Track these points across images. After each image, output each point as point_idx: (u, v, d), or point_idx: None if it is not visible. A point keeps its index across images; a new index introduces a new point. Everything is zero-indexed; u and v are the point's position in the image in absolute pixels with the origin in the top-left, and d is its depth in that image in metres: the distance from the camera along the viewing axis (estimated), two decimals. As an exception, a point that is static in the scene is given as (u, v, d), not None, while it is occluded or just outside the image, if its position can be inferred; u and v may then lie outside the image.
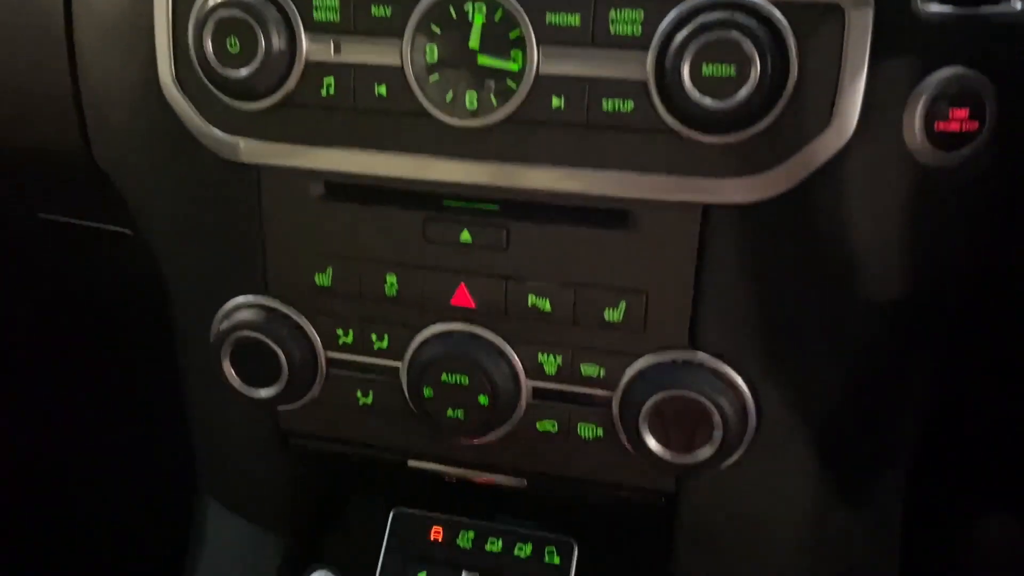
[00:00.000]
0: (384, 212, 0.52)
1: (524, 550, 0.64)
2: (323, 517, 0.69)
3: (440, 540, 0.65)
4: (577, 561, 0.63)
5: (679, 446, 0.51)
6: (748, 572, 0.60)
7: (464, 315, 0.53)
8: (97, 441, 1.13)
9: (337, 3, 0.48)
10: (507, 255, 0.51)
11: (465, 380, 0.53)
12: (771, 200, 0.46)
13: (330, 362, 0.56)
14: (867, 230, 0.47)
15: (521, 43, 0.46)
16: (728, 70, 0.42)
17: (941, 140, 0.44)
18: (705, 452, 0.50)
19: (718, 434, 0.50)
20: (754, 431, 0.51)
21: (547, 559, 0.64)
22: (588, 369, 0.52)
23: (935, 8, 0.43)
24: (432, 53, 0.47)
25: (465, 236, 0.51)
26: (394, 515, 0.67)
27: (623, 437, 0.53)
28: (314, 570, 0.65)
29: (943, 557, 0.95)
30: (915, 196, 0.47)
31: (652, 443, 0.51)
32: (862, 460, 0.59)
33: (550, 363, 0.53)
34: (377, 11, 0.47)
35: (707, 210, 0.47)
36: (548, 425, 0.54)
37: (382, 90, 0.48)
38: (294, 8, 0.48)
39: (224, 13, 0.48)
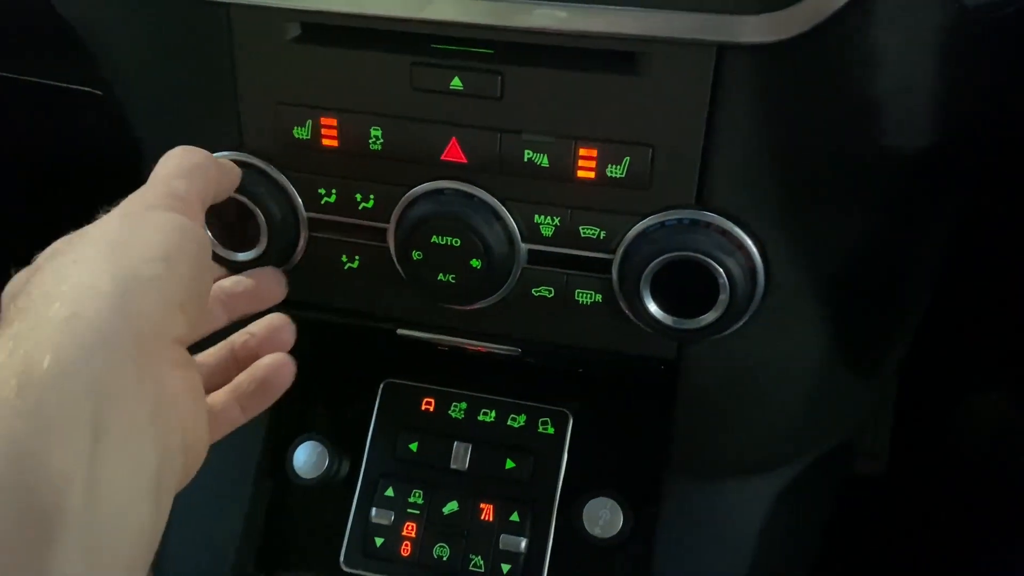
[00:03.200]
0: (366, 56, 0.47)
1: (518, 420, 0.63)
2: (310, 389, 0.67)
3: (431, 411, 0.64)
4: (572, 431, 0.62)
5: (682, 311, 0.48)
6: (746, 438, 0.59)
7: (456, 172, 0.49)
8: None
9: None
10: (502, 104, 0.47)
11: (457, 242, 0.49)
12: (792, 40, 0.42)
13: (312, 223, 0.53)
14: (894, 76, 0.43)
15: None
16: None
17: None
18: (710, 317, 0.48)
19: (724, 298, 0.47)
20: (762, 295, 0.49)
21: (541, 429, 0.62)
22: (587, 231, 0.49)
23: None
24: None
25: (456, 83, 0.47)
26: (384, 386, 0.65)
27: (623, 303, 0.50)
28: (302, 441, 0.63)
29: (932, 430, 0.96)
30: (950, 39, 0.43)
31: (653, 308, 0.49)
32: (868, 328, 0.57)
33: (547, 224, 0.50)
34: None
35: (721, 52, 0.43)
36: (544, 291, 0.52)
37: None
38: None
39: None
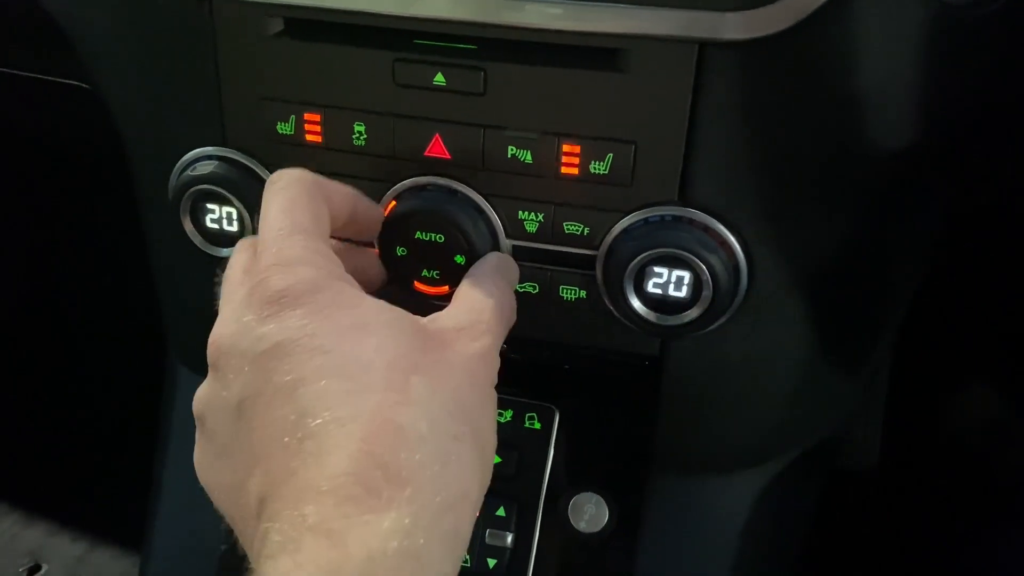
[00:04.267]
0: (349, 52, 0.47)
1: (504, 415, 0.63)
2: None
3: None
4: (558, 427, 0.62)
5: (666, 308, 0.48)
6: (731, 433, 0.59)
7: (439, 168, 0.49)
8: (68, 302, 1.11)
9: None
10: (485, 100, 0.47)
11: (440, 238, 0.49)
12: (774, 37, 0.42)
13: (297, 219, 0.53)
14: (876, 73, 0.43)
15: None
16: None
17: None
18: (693, 313, 0.48)
19: (707, 294, 0.47)
20: (745, 291, 0.49)
21: (527, 424, 0.62)
22: (571, 227, 0.49)
23: None
24: None
25: (439, 79, 0.47)
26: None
27: (607, 299, 0.50)
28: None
29: (922, 425, 0.96)
30: (931, 36, 0.43)
31: (637, 304, 0.49)
32: (854, 322, 0.57)
33: (531, 220, 0.50)
34: None
35: (703, 49, 0.43)
36: (528, 287, 0.52)
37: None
38: None
39: None
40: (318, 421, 0.31)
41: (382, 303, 0.37)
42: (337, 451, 0.30)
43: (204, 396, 0.37)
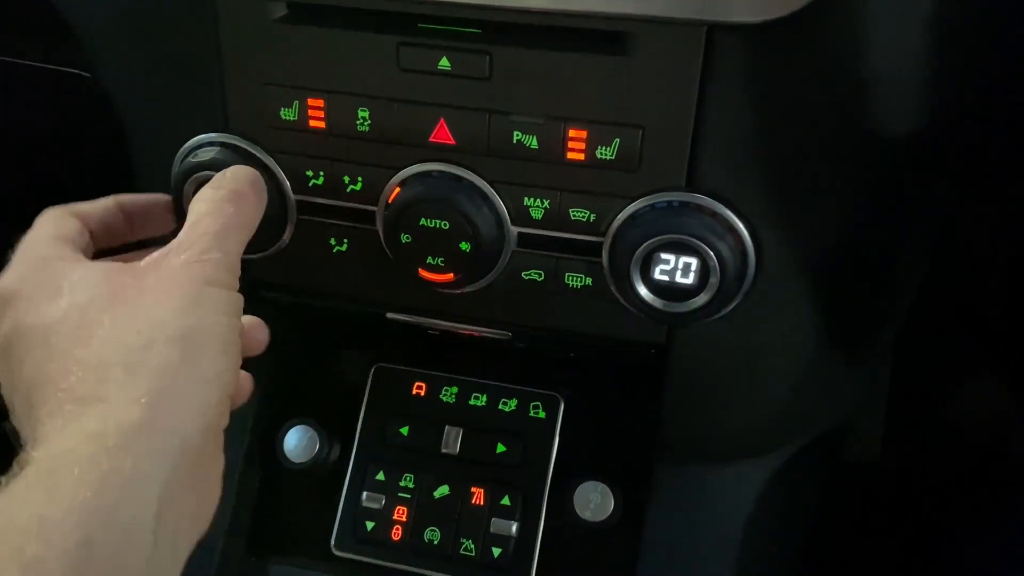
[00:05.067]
0: (352, 36, 0.47)
1: (509, 404, 0.62)
2: (301, 373, 0.67)
3: (423, 395, 0.64)
4: (563, 415, 0.62)
5: (673, 294, 0.48)
6: (737, 422, 0.58)
7: (444, 154, 0.49)
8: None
9: None
10: (490, 85, 0.46)
11: (445, 225, 0.49)
12: (784, 19, 0.41)
13: (300, 206, 0.52)
14: (887, 57, 0.43)
15: None
16: None
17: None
18: (700, 300, 0.48)
19: (715, 281, 0.47)
20: (752, 278, 0.48)
21: (532, 413, 0.62)
22: (577, 213, 0.49)
23: None
24: None
25: (444, 63, 0.46)
26: (375, 370, 0.65)
27: (613, 286, 0.50)
28: (293, 425, 0.63)
29: (925, 416, 0.96)
30: (944, 20, 0.42)
31: (644, 292, 0.48)
32: (860, 310, 0.56)
33: (536, 207, 0.49)
34: None
35: (712, 31, 0.43)
36: (534, 274, 0.51)
37: None
38: None
39: None
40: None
41: (85, 267, 0.41)
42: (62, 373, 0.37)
43: None
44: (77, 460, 0.33)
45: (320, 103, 0.49)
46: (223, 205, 0.43)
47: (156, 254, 0.41)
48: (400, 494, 0.61)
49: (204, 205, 0.43)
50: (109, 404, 0.35)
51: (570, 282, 0.51)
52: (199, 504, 0.38)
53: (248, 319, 0.47)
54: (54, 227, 0.44)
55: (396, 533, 0.61)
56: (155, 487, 0.34)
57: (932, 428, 0.96)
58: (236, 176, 0.45)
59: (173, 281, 0.39)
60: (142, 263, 0.41)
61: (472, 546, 0.60)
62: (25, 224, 0.45)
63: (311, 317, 0.63)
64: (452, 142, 0.48)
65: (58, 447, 0.34)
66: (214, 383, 0.38)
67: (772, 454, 0.62)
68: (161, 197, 0.51)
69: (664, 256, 0.47)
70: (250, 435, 0.64)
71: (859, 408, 0.82)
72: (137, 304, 0.38)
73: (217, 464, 0.39)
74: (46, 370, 0.37)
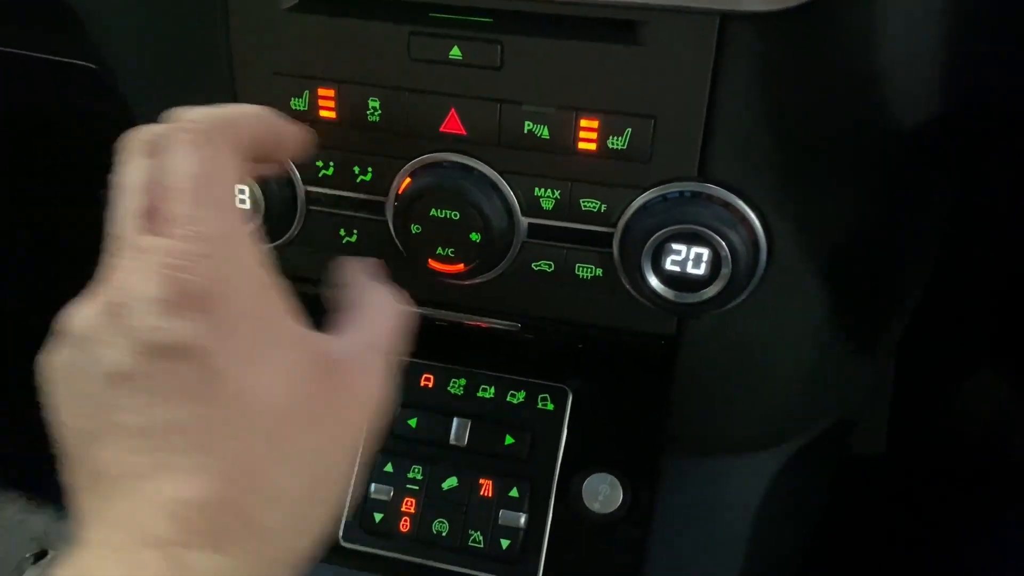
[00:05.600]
0: (363, 26, 0.47)
1: (517, 396, 0.62)
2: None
3: (431, 386, 0.63)
4: (571, 407, 0.62)
5: (684, 285, 0.48)
6: (746, 414, 0.58)
7: (455, 144, 0.49)
8: (71, 288, 1.10)
9: None
10: (501, 75, 0.46)
11: (456, 216, 0.49)
12: (796, 9, 0.41)
13: (310, 197, 0.52)
14: (901, 46, 0.43)
15: None
16: None
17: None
18: (711, 291, 0.48)
19: (726, 272, 0.47)
20: (764, 269, 0.48)
21: (540, 405, 0.62)
22: (588, 204, 0.49)
23: None
24: None
25: (455, 52, 0.46)
26: (382, 362, 0.64)
27: (624, 277, 0.50)
28: (301, 417, 0.63)
29: (931, 410, 0.96)
30: (959, 9, 0.42)
31: (655, 282, 0.48)
32: (868, 304, 0.56)
33: (547, 197, 0.49)
34: None
35: (725, 20, 0.42)
36: (544, 265, 0.51)
37: None
38: None
39: None
40: (191, 443, 0.31)
41: (291, 328, 0.35)
42: (196, 478, 0.30)
43: (88, 327, 0.33)
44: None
45: (331, 93, 0.49)
46: (391, 300, 0.41)
47: (341, 351, 0.37)
48: (408, 486, 0.61)
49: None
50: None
51: (580, 273, 0.51)
52: None
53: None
54: (230, 194, 0.35)
55: (404, 525, 0.61)
56: None
57: (937, 422, 0.96)
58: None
59: (355, 424, 0.36)
60: (335, 350, 0.37)
61: (480, 538, 0.60)
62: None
63: (320, 307, 0.62)
64: (463, 132, 0.48)
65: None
66: None
67: (781, 446, 0.62)
68: (302, 135, 0.44)
69: (675, 247, 0.47)
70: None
71: (864, 401, 0.82)
72: (324, 444, 0.35)
73: None
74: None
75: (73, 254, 1.10)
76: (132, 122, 0.59)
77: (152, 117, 0.57)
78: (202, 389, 0.31)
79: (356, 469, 0.37)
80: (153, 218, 0.34)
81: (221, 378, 0.31)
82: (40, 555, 1.07)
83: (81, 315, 0.34)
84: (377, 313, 0.40)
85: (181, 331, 0.31)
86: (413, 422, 0.63)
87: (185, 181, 0.34)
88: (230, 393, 0.32)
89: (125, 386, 0.31)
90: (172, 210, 0.33)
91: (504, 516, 0.60)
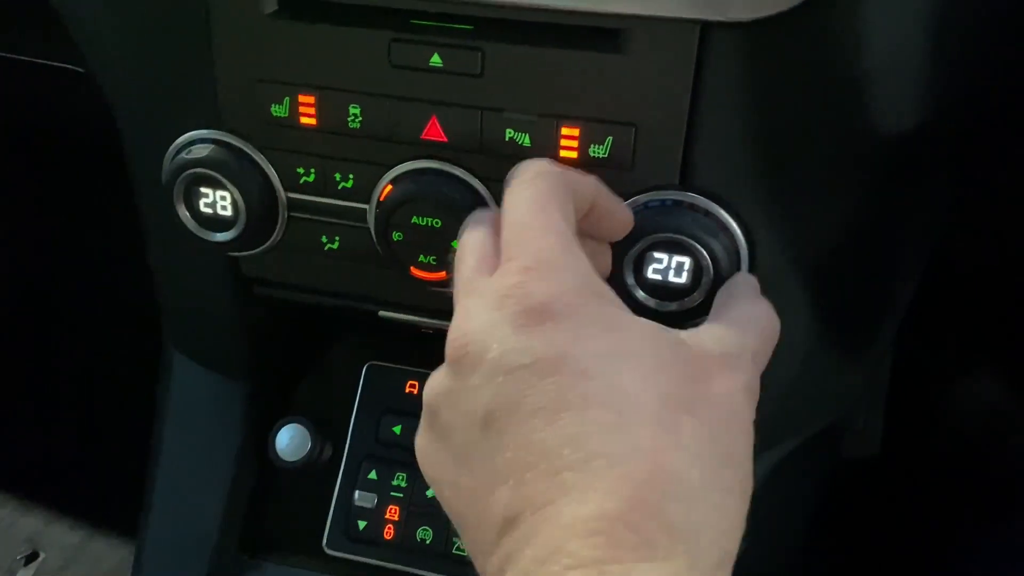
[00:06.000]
0: (344, 32, 0.46)
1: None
2: (294, 370, 0.67)
3: (415, 393, 0.63)
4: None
5: (666, 294, 0.48)
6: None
7: (436, 151, 0.48)
8: (64, 289, 1.11)
9: None
10: (482, 82, 0.46)
11: (437, 223, 0.49)
12: (777, 17, 0.41)
13: (291, 203, 0.52)
14: (884, 54, 0.42)
15: None
16: None
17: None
18: (694, 299, 0.47)
19: (707, 280, 0.46)
20: (746, 277, 0.48)
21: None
22: None
23: None
24: None
25: (435, 60, 0.46)
26: (367, 368, 0.64)
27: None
28: (285, 424, 0.63)
29: (924, 413, 0.96)
30: (942, 16, 0.42)
31: (637, 292, 0.48)
32: (856, 308, 0.56)
33: None
34: None
35: (706, 29, 0.42)
36: (527, 273, 0.51)
37: None
38: None
39: None
40: (581, 455, 0.29)
41: (643, 322, 0.34)
42: (605, 491, 0.29)
43: (441, 390, 0.34)
44: None
45: (311, 99, 0.48)
46: (760, 298, 0.40)
47: (701, 346, 0.35)
48: (392, 493, 0.61)
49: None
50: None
51: None
52: None
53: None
54: (569, 227, 0.36)
55: (388, 532, 0.61)
56: None
57: (932, 424, 0.96)
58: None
59: (738, 415, 0.34)
60: (690, 341, 0.35)
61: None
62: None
63: (304, 315, 0.62)
64: (444, 139, 0.48)
65: None
66: None
67: (770, 450, 0.62)
68: (629, 213, 0.44)
69: (657, 255, 0.47)
70: (242, 434, 0.64)
71: (858, 404, 0.82)
72: (714, 430, 0.32)
73: None
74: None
75: (68, 255, 1.10)
76: (117, 126, 0.59)
77: (136, 121, 0.58)
78: (576, 397, 0.30)
79: (751, 459, 0.34)
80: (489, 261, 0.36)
81: (591, 379, 0.30)
82: (31, 557, 1.07)
83: (432, 384, 0.34)
84: (742, 315, 0.39)
85: (538, 346, 0.31)
86: (398, 429, 0.62)
87: (515, 211, 0.36)
88: (604, 393, 0.30)
89: (495, 427, 0.31)
90: (504, 240, 0.35)
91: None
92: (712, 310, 0.41)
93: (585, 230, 0.41)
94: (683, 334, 0.36)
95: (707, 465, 0.31)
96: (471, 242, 0.38)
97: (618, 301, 0.35)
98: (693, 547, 0.29)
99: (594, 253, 0.43)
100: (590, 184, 0.40)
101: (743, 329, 0.38)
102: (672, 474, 0.30)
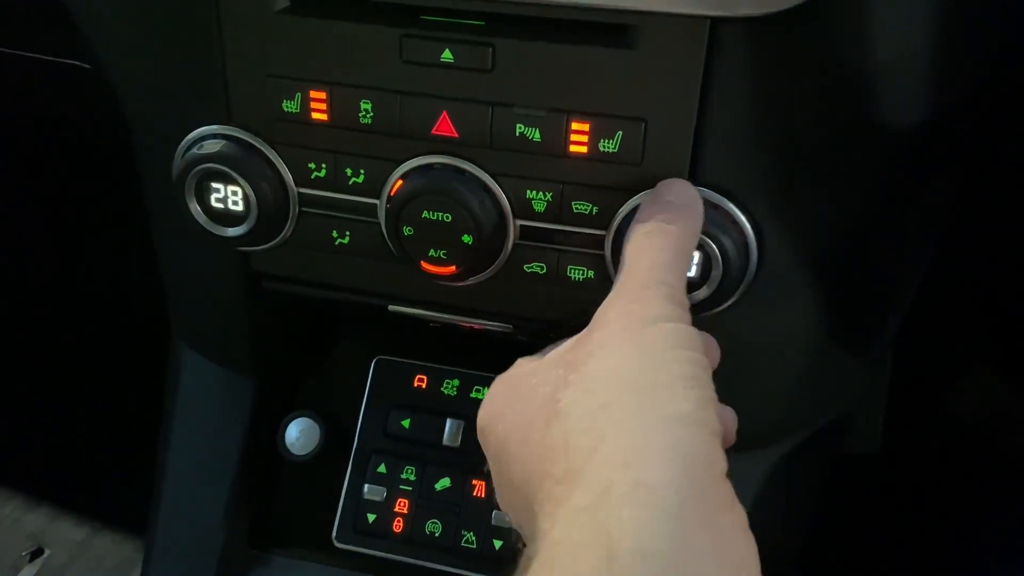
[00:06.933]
0: (355, 28, 0.47)
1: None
2: (303, 365, 0.67)
3: (424, 388, 0.64)
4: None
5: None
6: (740, 415, 0.58)
7: (447, 146, 0.49)
8: (70, 287, 1.11)
9: None
10: (493, 77, 0.46)
11: (448, 218, 0.49)
12: (788, 12, 0.41)
13: (302, 199, 0.52)
14: (893, 49, 0.43)
15: None
16: None
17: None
18: (702, 293, 0.48)
19: (716, 274, 0.47)
20: (755, 271, 0.48)
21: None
22: (580, 206, 0.49)
23: None
24: None
25: (447, 55, 0.46)
26: (376, 363, 0.65)
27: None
28: (294, 418, 0.63)
29: (927, 409, 0.96)
30: (951, 11, 0.42)
31: (646, 285, 0.48)
32: (863, 303, 0.56)
33: (539, 200, 0.49)
34: None
35: (715, 24, 0.43)
36: (536, 267, 0.51)
37: None
38: None
39: None
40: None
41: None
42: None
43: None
44: (572, 545, 0.30)
45: (322, 95, 0.49)
46: (651, 238, 0.41)
47: (597, 312, 0.39)
48: (401, 487, 0.62)
49: (634, 242, 0.41)
50: (586, 476, 0.32)
51: (572, 275, 0.51)
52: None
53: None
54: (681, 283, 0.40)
55: (397, 525, 0.61)
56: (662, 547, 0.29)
57: (933, 421, 0.96)
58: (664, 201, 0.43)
59: (612, 331, 0.37)
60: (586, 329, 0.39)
61: (473, 538, 0.60)
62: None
63: (313, 310, 0.63)
64: (454, 134, 0.48)
65: (552, 536, 0.31)
66: (688, 422, 0.33)
67: (773, 447, 0.62)
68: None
69: None
70: (251, 428, 0.64)
71: (860, 401, 0.82)
72: (584, 367, 0.36)
73: (729, 511, 0.32)
74: (525, 459, 0.36)
75: (73, 253, 1.10)
76: (126, 123, 0.60)
77: (146, 118, 0.58)
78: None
79: None
80: None
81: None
82: (36, 553, 1.07)
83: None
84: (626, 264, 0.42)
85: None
86: (406, 423, 0.63)
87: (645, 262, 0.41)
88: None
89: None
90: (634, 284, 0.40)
91: (497, 517, 0.60)
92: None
93: None
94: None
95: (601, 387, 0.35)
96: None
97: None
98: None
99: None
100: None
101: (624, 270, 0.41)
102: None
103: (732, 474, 0.62)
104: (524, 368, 0.41)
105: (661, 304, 0.37)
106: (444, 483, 0.61)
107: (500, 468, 0.39)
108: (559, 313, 0.54)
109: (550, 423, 0.35)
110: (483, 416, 0.41)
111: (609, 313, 0.38)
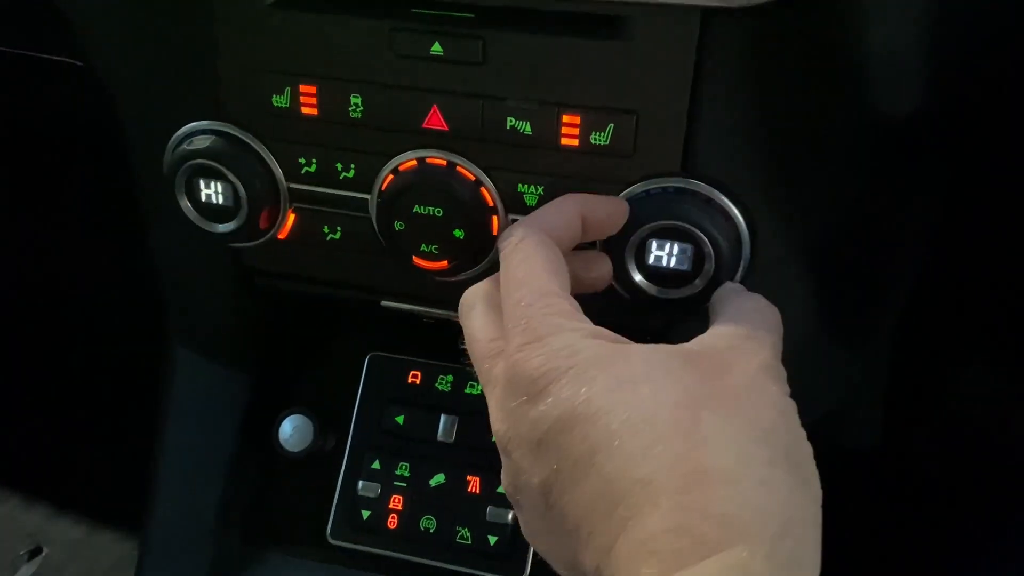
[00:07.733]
0: (345, 21, 0.46)
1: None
2: (296, 361, 0.67)
3: (418, 383, 0.63)
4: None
5: (667, 280, 0.48)
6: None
7: (438, 140, 0.48)
8: (66, 285, 1.10)
9: None
10: (483, 70, 0.46)
11: (439, 212, 0.49)
12: (780, 3, 0.41)
13: (293, 194, 0.52)
14: (885, 40, 0.43)
15: None
16: None
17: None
18: (695, 287, 0.47)
19: (709, 267, 0.47)
20: (747, 263, 0.48)
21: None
22: None
23: None
24: None
25: (436, 48, 0.46)
26: (370, 359, 0.65)
27: (608, 272, 0.50)
28: (288, 414, 0.63)
29: (928, 402, 0.96)
30: (943, 2, 0.42)
31: (638, 278, 0.48)
32: (857, 296, 0.56)
33: (531, 193, 0.49)
34: None
35: (707, 16, 0.42)
36: (529, 261, 0.51)
37: None
38: None
39: None
40: (623, 484, 0.31)
41: (647, 346, 0.36)
42: (652, 510, 0.30)
43: (509, 480, 0.37)
44: None
45: (312, 89, 0.48)
46: (750, 294, 0.42)
47: (708, 346, 0.37)
48: (396, 483, 0.61)
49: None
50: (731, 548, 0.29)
51: None
52: None
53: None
54: (556, 281, 0.39)
55: (392, 521, 0.61)
56: None
57: (933, 415, 0.96)
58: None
59: (763, 392, 0.36)
60: (696, 347, 0.37)
61: (468, 534, 0.60)
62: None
63: (305, 305, 0.62)
64: (445, 128, 0.48)
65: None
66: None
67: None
68: (621, 206, 0.46)
69: (658, 242, 0.47)
70: (245, 424, 0.64)
71: (859, 394, 0.82)
72: (739, 413, 0.33)
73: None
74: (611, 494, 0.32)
75: (66, 250, 1.10)
76: (117, 118, 0.59)
77: (137, 113, 0.58)
78: (600, 435, 0.32)
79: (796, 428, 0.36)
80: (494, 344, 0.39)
81: (608, 413, 0.32)
82: (35, 552, 1.07)
83: (502, 474, 0.38)
84: (739, 311, 0.41)
85: (551, 411, 0.34)
86: (400, 419, 0.63)
87: (505, 286, 0.39)
88: (622, 420, 0.32)
89: (551, 499, 0.34)
90: (504, 317, 0.38)
91: (492, 512, 0.60)
92: (711, 317, 0.42)
93: (585, 239, 0.44)
94: (689, 343, 0.38)
95: (738, 449, 0.32)
96: (474, 322, 0.41)
97: (614, 336, 0.37)
98: (748, 526, 0.30)
99: (589, 265, 0.46)
100: (570, 212, 0.43)
101: (746, 320, 0.40)
102: (704, 471, 0.31)
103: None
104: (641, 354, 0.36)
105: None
106: (439, 479, 0.61)
107: (569, 478, 0.33)
108: (552, 308, 0.54)
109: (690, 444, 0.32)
110: (583, 401, 0.33)
111: (748, 358, 0.37)
